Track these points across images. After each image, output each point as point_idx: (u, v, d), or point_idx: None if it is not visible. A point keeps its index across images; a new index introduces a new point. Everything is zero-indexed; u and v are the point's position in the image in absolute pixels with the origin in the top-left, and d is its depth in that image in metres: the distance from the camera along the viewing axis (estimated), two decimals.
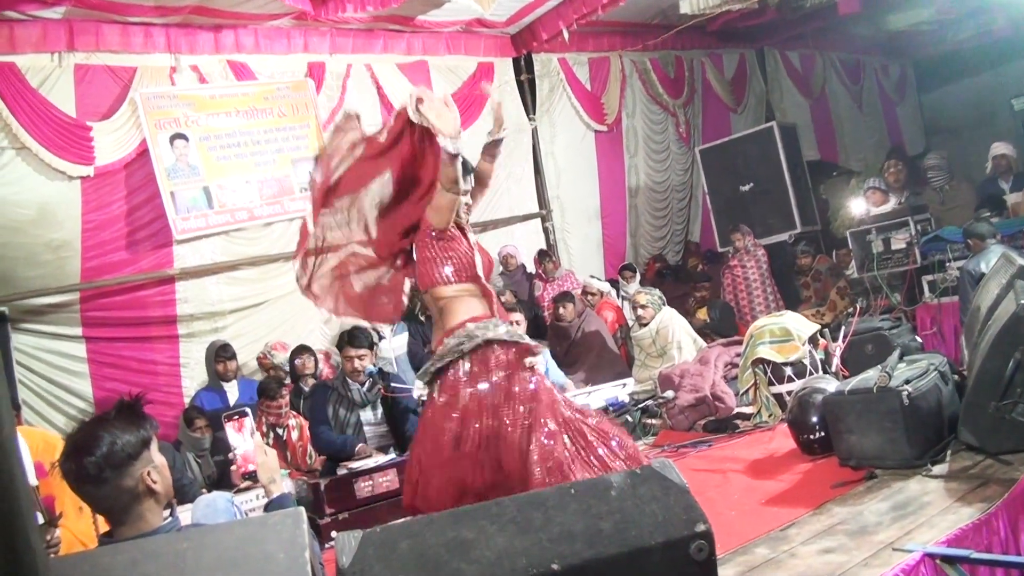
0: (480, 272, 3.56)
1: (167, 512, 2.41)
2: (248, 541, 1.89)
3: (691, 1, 9.36)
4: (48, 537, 3.09)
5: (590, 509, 2.00)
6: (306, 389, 6.72)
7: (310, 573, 1.80)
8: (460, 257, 3.52)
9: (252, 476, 2.95)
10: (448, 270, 3.50)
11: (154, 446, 2.36)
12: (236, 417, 2.91)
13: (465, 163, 3.48)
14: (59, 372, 6.93)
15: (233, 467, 3.26)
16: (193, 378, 7.41)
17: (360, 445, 5.34)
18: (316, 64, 8.40)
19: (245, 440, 2.90)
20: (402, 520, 2.29)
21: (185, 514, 3.31)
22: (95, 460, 2.19)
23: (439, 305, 3.54)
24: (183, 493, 5.32)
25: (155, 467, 2.31)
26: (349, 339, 5.59)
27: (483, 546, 1.90)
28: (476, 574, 1.85)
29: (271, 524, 1.93)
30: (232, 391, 6.93)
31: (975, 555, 2.62)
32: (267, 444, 5.98)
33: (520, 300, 8.57)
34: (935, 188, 8.76)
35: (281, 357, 7.42)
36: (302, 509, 1.98)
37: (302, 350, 7.07)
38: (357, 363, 5.53)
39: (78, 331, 7.02)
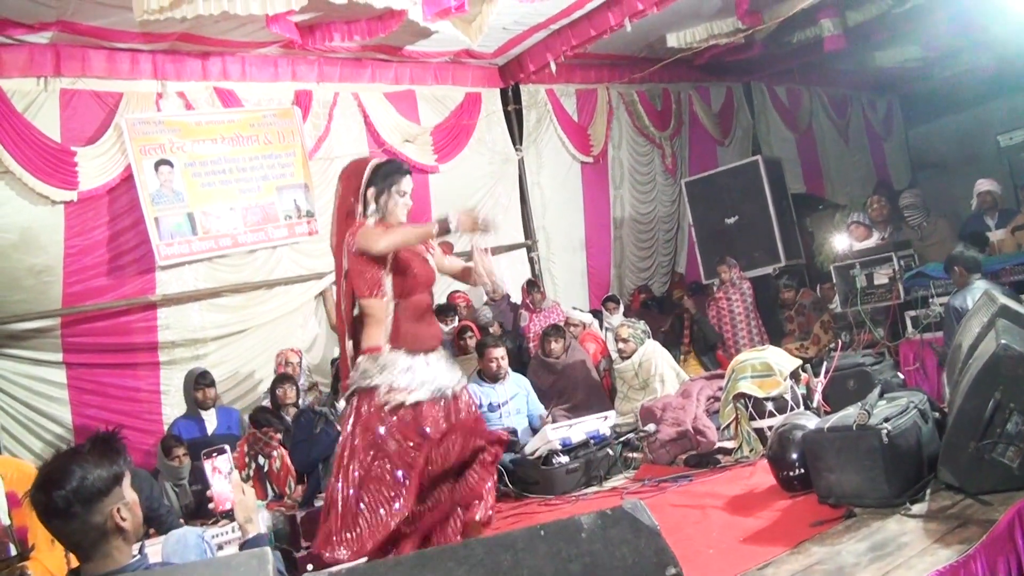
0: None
1: (136, 548, 2.38)
2: None
3: (678, 35, 9.47)
4: (17, 572, 3.04)
5: (560, 552, 1.98)
6: (288, 419, 6.67)
7: None
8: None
9: (229, 514, 2.92)
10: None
11: (126, 482, 2.33)
12: (214, 454, 2.88)
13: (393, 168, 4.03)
14: (38, 398, 6.86)
15: (211, 504, 3.23)
16: (173, 406, 7.33)
17: None
18: (303, 92, 8.40)
19: (222, 477, 2.88)
20: (366, 562, 2.27)
21: (156, 547, 3.27)
22: (64, 494, 2.17)
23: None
24: (160, 522, 5.26)
25: (126, 504, 2.28)
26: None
27: None
28: None
29: (235, 565, 1.92)
30: (210, 420, 6.86)
31: None
32: (249, 473, 5.99)
33: (505, 331, 8.57)
34: (912, 226, 8.80)
35: (295, 359, 7.54)
36: (268, 550, 1.96)
37: (283, 380, 7.02)
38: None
39: (59, 357, 6.96)
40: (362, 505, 3.61)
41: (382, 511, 3.61)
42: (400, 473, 3.71)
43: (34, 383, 6.85)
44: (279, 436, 6.11)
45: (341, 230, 4.02)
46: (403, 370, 3.82)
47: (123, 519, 2.24)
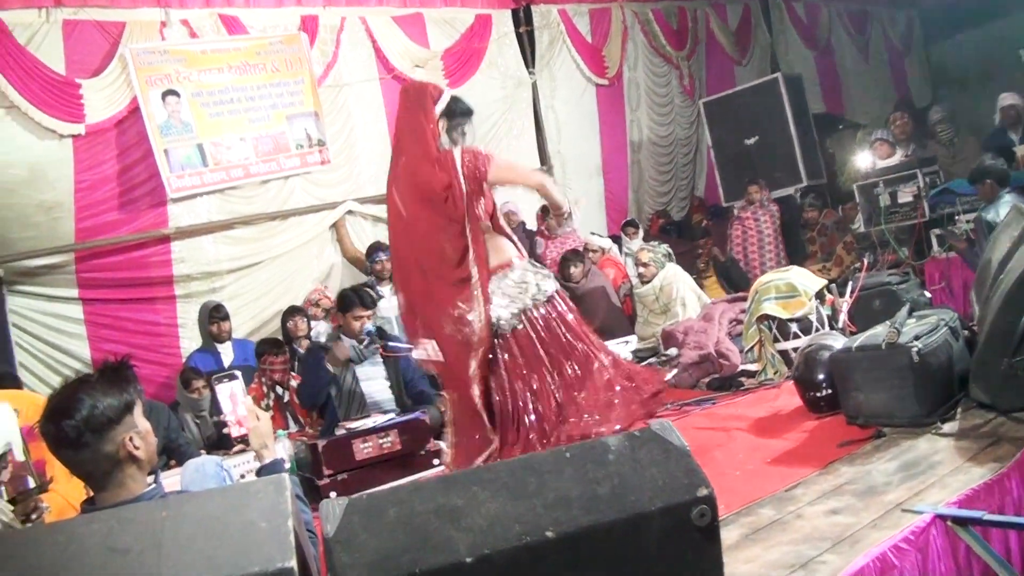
0: None
1: (151, 478, 2.33)
2: (229, 510, 1.80)
3: None
4: (33, 504, 3.02)
5: (587, 474, 1.91)
6: (300, 350, 6.64)
7: (292, 542, 1.71)
8: None
9: (245, 440, 2.88)
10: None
11: (138, 411, 2.28)
12: (225, 380, 2.83)
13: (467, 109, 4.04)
14: (55, 334, 6.85)
15: (226, 430, 3.19)
16: (191, 339, 7.31)
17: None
18: (309, 17, 8.20)
19: (236, 404, 2.82)
20: (389, 486, 2.21)
21: (175, 478, 3.24)
22: (74, 423, 2.12)
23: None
24: (180, 453, 5.29)
25: (138, 432, 2.24)
26: (360, 300, 5.56)
27: (474, 513, 1.82)
28: (467, 542, 1.77)
29: (253, 492, 1.85)
30: (226, 353, 6.84)
31: (988, 516, 2.55)
32: (268, 404, 5.99)
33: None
34: (942, 142, 8.61)
35: (327, 304, 7.48)
36: (286, 476, 1.89)
37: (294, 311, 6.98)
38: (367, 323, 5.54)
39: (74, 292, 6.93)
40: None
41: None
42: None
43: (50, 319, 6.83)
44: (280, 362, 6.10)
45: (414, 153, 3.99)
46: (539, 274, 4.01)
47: (135, 447, 2.20)
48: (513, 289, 3.88)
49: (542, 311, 3.88)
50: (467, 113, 4.05)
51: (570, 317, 3.97)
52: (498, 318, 3.82)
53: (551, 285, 3.98)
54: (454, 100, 4.04)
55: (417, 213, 3.95)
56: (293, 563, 1.66)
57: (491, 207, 3.98)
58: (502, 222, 4.10)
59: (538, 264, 4.20)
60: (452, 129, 3.97)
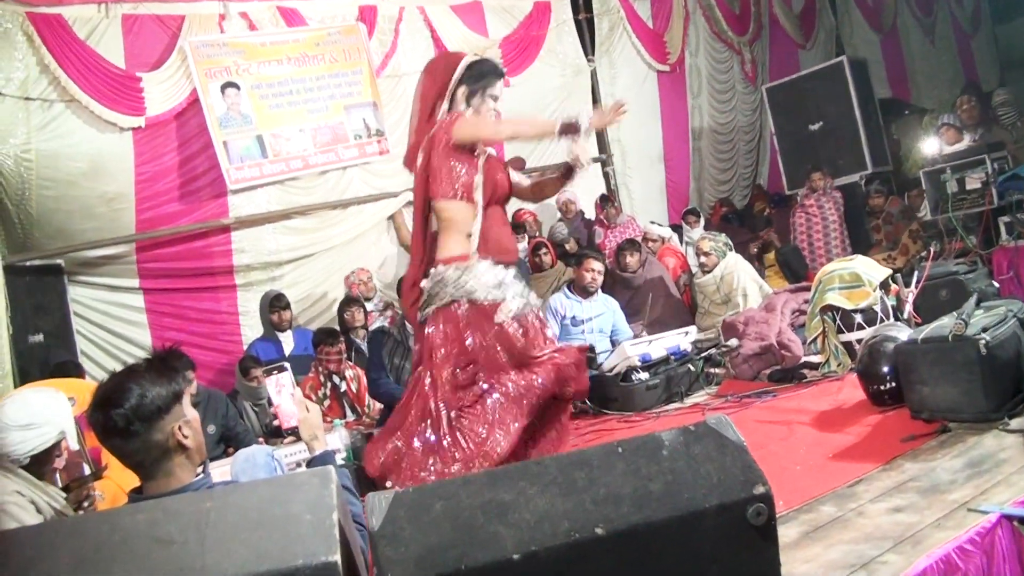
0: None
1: (200, 468, 2.33)
2: (274, 502, 1.79)
3: None
4: (85, 492, 3.05)
5: (639, 470, 1.86)
6: (357, 341, 6.67)
7: (337, 536, 1.69)
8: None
9: (295, 431, 2.87)
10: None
11: (186, 400, 2.28)
12: (275, 372, 2.82)
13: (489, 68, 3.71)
14: (117, 322, 7.00)
15: (275, 421, 3.19)
16: (252, 327, 7.43)
17: None
18: (367, 8, 8.24)
19: (284, 396, 2.81)
20: (436, 480, 2.18)
21: (226, 468, 3.25)
22: (123, 412, 2.11)
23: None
24: (238, 441, 5.33)
25: (187, 422, 2.23)
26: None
27: (522, 508, 1.78)
28: (514, 538, 1.73)
29: (298, 484, 1.83)
30: (287, 341, 6.92)
31: None
32: (325, 393, 6.02)
33: (582, 247, 8.42)
34: (1005, 126, 8.35)
35: (365, 276, 7.59)
36: (331, 468, 1.87)
37: (350, 302, 7.03)
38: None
39: (135, 282, 7.08)
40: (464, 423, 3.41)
41: (498, 432, 3.37)
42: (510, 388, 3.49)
43: (112, 308, 6.98)
44: (336, 352, 6.11)
45: (421, 130, 3.71)
46: (493, 280, 3.54)
47: (184, 436, 2.20)
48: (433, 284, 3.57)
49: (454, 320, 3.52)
50: (488, 74, 3.68)
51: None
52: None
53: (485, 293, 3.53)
54: (476, 62, 3.71)
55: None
56: (337, 557, 1.65)
57: (468, 182, 3.55)
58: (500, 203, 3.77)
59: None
60: (472, 94, 3.63)
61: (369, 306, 7.24)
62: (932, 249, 6.69)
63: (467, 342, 3.50)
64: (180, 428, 2.20)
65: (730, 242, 7.15)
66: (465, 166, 3.53)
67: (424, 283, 3.62)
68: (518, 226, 8.27)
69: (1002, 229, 6.92)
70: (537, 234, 8.51)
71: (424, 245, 3.75)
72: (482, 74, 3.66)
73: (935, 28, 13.68)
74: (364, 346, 6.48)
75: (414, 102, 3.82)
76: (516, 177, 3.97)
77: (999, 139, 7.94)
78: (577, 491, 1.81)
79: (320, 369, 6.13)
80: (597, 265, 6.39)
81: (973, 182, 7.14)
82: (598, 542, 1.72)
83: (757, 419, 4.38)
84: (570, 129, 3.45)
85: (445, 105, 3.64)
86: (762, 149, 11.57)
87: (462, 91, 3.63)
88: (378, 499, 1.80)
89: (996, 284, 5.39)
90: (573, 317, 6.35)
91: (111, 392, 2.16)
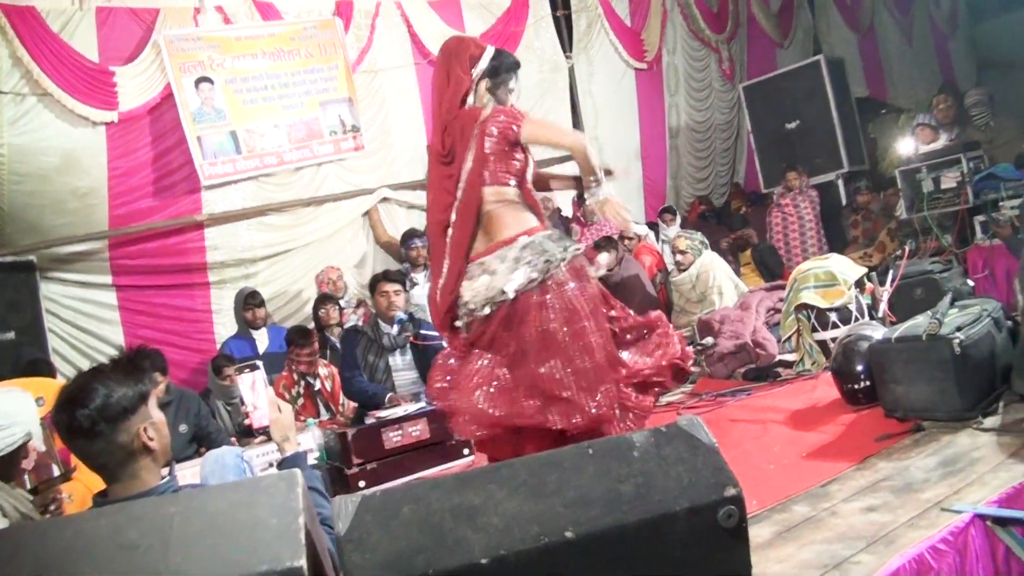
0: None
1: (166, 471, 2.30)
2: (239, 506, 1.76)
3: None
4: (52, 495, 3.00)
5: (610, 471, 1.85)
6: (332, 339, 6.63)
7: (302, 540, 1.67)
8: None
9: (267, 431, 2.83)
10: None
11: (152, 402, 2.25)
12: (247, 370, 2.77)
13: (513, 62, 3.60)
14: (90, 320, 6.91)
15: (246, 421, 3.14)
16: (225, 325, 7.36)
17: (391, 395, 5.24)
18: (344, 2, 8.18)
19: (257, 394, 2.77)
20: (403, 483, 2.16)
21: (196, 469, 3.21)
22: (88, 412, 2.08)
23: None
24: (210, 441, 5.29)
25: (152, 423, 2.20)
26: (384, 275, 5.54)
27: (491, 512, 1.77)
28: (483, 542, 1.71)
29: (264, 488, 1.81)
30: (262, 339, 6.86)
31: None
32: (299, 392, 5.98)
33: None
34: (979, 126, 8.40)
35: (335, 274, 7.49)
36: (298, 471, 1.84)
37: (325, 300, 6.97)
38: (394, 298, 5.49)
39: (108, 279, 6.98)
40: None
41: None
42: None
43: (84, 305, 6.89)
44: (307, 353, 6.06)
45: (449, 114, 3.56)
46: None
47: (150, 438, 2.17)
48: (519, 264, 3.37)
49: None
50: (513, 68, 3.62)
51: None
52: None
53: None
54: (498, 54, 3.63)
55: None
56: (303, 562, 1.62)
57: (522, 169, 3.51)
58: (531, 189, 3.65)
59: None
60: (496, 87, 3.56)
61: (341, 303, 7.19)
62: (907, 248, 6.71)
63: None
64: (146, 429, 2.17)
65: (706, 240, 7.15)
66: (520, 155, 3.49)
67: (493, 264, 3.39)
68: None
69: (977, 228, 6.94)
70: None
71: (468, 242, 3.51)
72: (509, 68, 3.61)
73: (912, 28, 13.74)
74: (339, 344, 6.45)
75: (438, 86, 3.67)
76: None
77: (975, 139, 7.98)
78: (547, 494, 1.80)
79: (293, 368, 6.08)
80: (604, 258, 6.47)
81: (949, 181, 7.16)
82: (568, 545, 1.71)
83: (731, 418, 4.40)
84: (589, 186, 3.48)
85: (471, 99, 3.55)
86: (739, 147, 11.58)
87: (485, 83, 3.56)
88: (345, 503, 1.79)
89: (971, 283, 5.40)
90: None
91: (76, 392, 2.13)
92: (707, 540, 1.80)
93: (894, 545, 2.37)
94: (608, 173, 3.54)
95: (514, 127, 3.40)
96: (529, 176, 3.56)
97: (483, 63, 3.55)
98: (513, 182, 3.47)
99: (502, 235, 3.38)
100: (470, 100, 3.54)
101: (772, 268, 8.33)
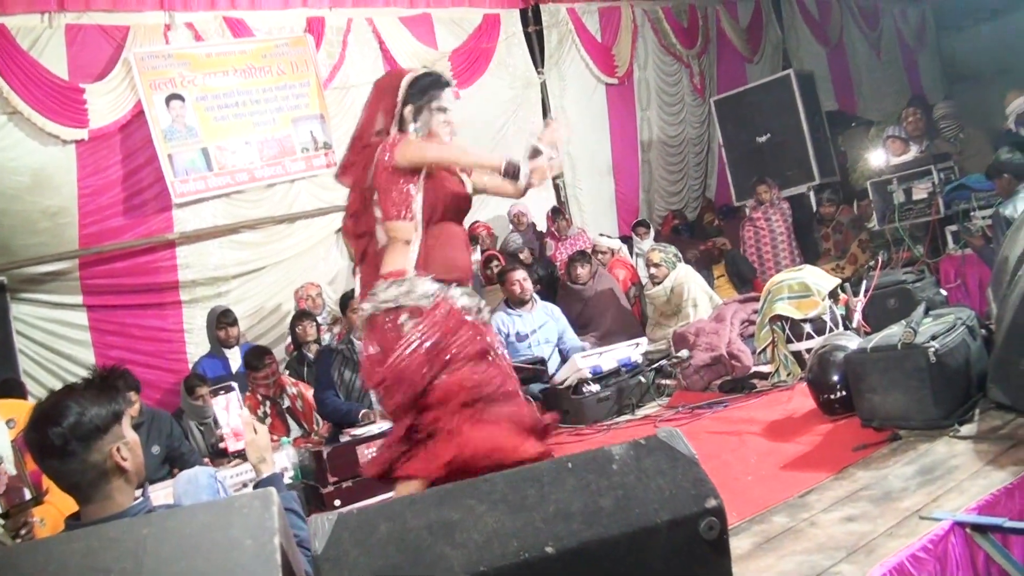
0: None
1: (139, 492, 2.26)
2: (213, 527, 1.72)
3: None
4: (23, 519, 2.95)
5: (589, 485, 1.83)
6: (309, 356, 6.59)
7: (278, 561, 1.64)
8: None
9: (242, 453, 2.80)
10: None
11: (126, 421, 2.22)
12: (222, 392, 2.75)
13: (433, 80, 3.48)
14: (60, 341, 6.85)
15: (221, 443, 3.10)
16: (198, 344, 7.30)
17: (364, 411, 5.20)
18: (315, 19, 8.17)
19: (232, 416, 2.75)
20: (380, 500, 2.13)
21: (169, 489, 3.17)
22: (60, 431, 2.06)
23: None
24: (183, 461, 5.23)
25: (126, 443, 2.17)
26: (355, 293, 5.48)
27: (470, 528, 1.74)
28: (462, 559, 1.69)
29: (239, 508, 1.77)
30: (234, 358, 6.79)
31: (1009, 523, 2.45)
32: (265, 412, 5.92)
33: (536, 258, 8.42)
34: (947, 139, 8.49)
35: (315, 291, 7.50)
36: (273, 490, 1.81)
37: (302, 316, 6.93)
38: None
39: (78, 299, 6.93)
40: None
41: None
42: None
43: (55, 326, 6.83)
44: (263, 376, 6.00)
45: (360, 149, 3.52)
46: (428, 295, 3.27)
47: (123, 458, 2.14)
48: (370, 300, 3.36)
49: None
50: (430, 87, 3.45)
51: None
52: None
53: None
54: (417, 78, 3.48)
55: None
56: None
57: (410, 199, 3.33)
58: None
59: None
60: (419, 112, 3.42)
61: (319, 320, 7.15)
62: (880, 258, 6.77)
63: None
64: (119, 449, 2.15)
65: (680, 253, 7.17)
66: (404, 184, 3.34)
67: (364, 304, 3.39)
68: (472, 238, 8.20)
69: (949, 238, 7.02)
70: (489, 247, 8.46)
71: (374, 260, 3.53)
72: (424, 89, 3.46)
73: (881, 42, 13.92)
74: (314, 363, 6.41)
75: (359, 119, 3.62)
76: (476, 177, 3.71)
77: (944, 151, 8.06)
78: (526, 508, 1.78)
79: (255, 391, 6.01)
80: (519, 275, 6.46)
81: (920, 192, 7.23)
82: (548, 561, 1.69)
83: (708, 430, 4.39)
84: (511, 172, 3.32)
85: (394, 128, 3.44)
86: (711, 161, 11.64)
87: (409, 110, 3.43)
88: (321, 521, 1.76)
89: (944, 292, 5.45)
90: (517, 333, 6.36)
91: (48, 410, 2.11)
92: (688, 552, 1.78)
93: (874, 554, 2.36)
94: (514, 170, 3.33)
95: (386, 155, 3.32)
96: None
97: (401, 91, 3.44)
98: (404, 215, 3.34)
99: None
100: (394, 130, 3.43)
101: (745, 274, 8.37)
